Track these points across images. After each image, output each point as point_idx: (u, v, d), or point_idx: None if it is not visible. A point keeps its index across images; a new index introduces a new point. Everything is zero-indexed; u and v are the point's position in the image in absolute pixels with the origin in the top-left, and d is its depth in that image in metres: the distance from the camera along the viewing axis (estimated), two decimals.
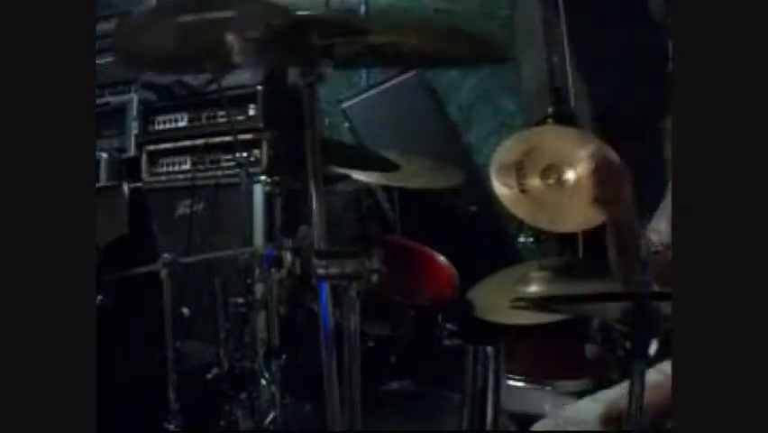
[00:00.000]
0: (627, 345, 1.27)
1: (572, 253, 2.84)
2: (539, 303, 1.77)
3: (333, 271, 1.10)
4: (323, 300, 1.12)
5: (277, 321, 2.33)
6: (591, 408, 1.89)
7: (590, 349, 2.42)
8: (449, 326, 2.43)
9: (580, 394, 2.04)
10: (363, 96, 3.40)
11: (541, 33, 3.24)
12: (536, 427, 1.90)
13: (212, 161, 3.29)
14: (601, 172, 1.80)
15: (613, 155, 1.85)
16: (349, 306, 1.12)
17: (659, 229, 1.88)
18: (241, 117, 3.18)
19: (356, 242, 2.97)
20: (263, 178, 2.94)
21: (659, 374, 1.65)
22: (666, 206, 1.94)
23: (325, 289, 1.12)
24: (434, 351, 2.45)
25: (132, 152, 3.50)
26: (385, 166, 2.73)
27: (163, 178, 3.42)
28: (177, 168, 3.39)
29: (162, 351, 2.46)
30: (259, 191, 3.02)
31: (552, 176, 2.41)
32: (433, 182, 3.07)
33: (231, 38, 1.25)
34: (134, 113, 3.49)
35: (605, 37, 2.94)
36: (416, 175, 2.97)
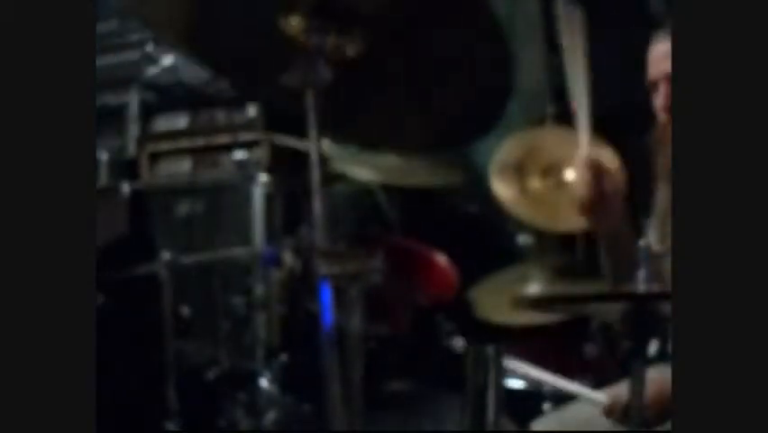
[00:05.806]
0: (627, 345, 1.27)
1: (572, 253, 2.84)
2: (539, 303, 1.77)
3: (336, 270, 1.10)
4: (325, 300, 1.12)
5: (277, 321, 2.33)
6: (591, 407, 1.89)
7: (590, 349, 2.42)
8: (449, 326, 2.43)
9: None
10: None
11: (541, 33, 3.23)
12: (536, 426, 1.90)
13: (212, 161, 3.29)
14: (593, 182, 1.76)
15: (609, 163, 1.83)
16: (350, 305, 1.12)
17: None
18: (241, 117, 3.18)
19: (356, 242, 2.97)
20: (263, 177, 2.94)
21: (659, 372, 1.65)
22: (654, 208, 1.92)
23: (327, 288, 1.11)
24: (434, 351, 2.45)
25: (132, 152, 3.50)
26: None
27: (163, 178, 3.42)
28: (177, 168, 3.39)
29: (162, 351, 2.46)
30: (259, 191, 3.02)
31: (552, 176, 2.41)
32: (432, 180, 3.06)
33: None
34: (134, 113, 3.49)
35: (605, 37, 2.94)
36: (415, 174, 2.97)
